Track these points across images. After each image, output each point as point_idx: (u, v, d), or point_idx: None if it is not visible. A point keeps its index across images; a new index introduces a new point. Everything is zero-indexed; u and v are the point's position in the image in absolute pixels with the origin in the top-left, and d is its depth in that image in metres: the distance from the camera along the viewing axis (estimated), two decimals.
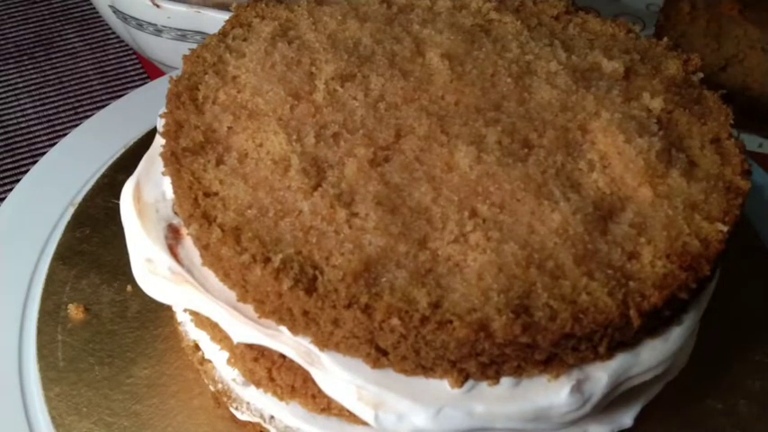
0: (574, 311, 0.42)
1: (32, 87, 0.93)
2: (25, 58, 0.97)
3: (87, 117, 0.77)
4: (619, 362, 0.46)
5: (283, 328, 0.45)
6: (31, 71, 0.95)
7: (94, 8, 0.91)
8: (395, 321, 0.41)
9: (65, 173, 0.69)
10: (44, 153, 0.72)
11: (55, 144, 0.73)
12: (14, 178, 0.81)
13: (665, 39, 0.59)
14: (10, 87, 0.93)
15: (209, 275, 0.48)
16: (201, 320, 0.51)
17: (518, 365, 0.44)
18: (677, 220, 0.46)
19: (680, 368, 0.53)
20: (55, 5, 1.04)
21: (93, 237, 0.64)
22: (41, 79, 0.94)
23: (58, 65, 0.96)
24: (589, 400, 0.46)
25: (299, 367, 0.47)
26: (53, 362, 0.57)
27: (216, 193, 0.47)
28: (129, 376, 0.56)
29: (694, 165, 0.49)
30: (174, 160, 0.48)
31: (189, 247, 0.49)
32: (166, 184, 0.52)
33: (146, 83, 0.89)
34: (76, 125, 0.75)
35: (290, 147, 0.49)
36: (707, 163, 0.50)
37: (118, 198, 0.54)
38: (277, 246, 0.44)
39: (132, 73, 0.95)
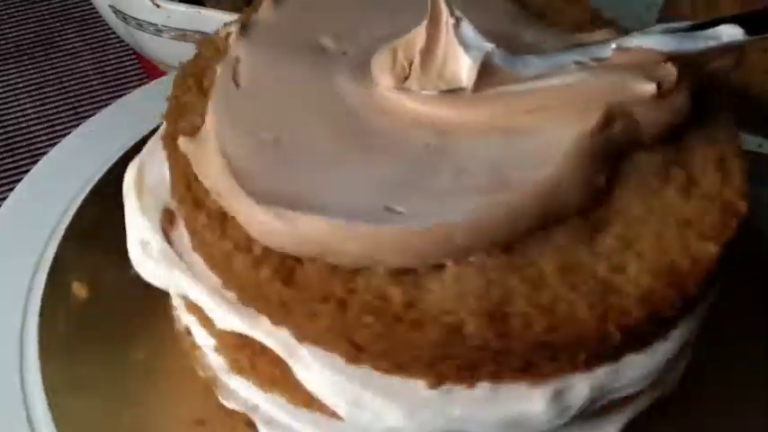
0: (550, 321, 0.41)
1: (32, 87, 0.93)
2: (25, 57, 0.96)
3: (87, 117, 0.76)
4: (600, 374, 0.45)
5: (264, 318, 0.46)
6: (31, 71, 0.95)
7: (94, 8, 0.91)
8: (368, 318, 0.41)
9: (65, 173, 0.69)
10: (44, 153, 0.72)
11: (55, 144, 0.72)
12: (14, 178, 0.81)
13: None
14: (10, 87, 0.93)
15: (197, 260, 0.48)
16: (191, 306, 0.52)
17: (495, 371, 0.44)
18: (667, 237, 0.45)
19: (674, 382, 0.52)
20: (55, 5, 1.03)
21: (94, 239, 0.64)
22: (41, 79, 0.94)
23: (58, 65, 0.96)
24: (567, 411, 0.45)
25: (280, 358, 0.47)
26: (54, 338, 0.58)
27: None
28: (127, 357, 0.57)
29: (692, 182, 0.48)
30: (170, 142, 0.49)
31: (182, 231, 0.50)
32: (167, 168, 0.53)
33: (146, 83, 0.88)
34: (76, 125, 0.74)
35: None
36: (706, 182, 0.48)
37: (117, 201, 0.54)
38: None
39: (132, 73, 0.95)
